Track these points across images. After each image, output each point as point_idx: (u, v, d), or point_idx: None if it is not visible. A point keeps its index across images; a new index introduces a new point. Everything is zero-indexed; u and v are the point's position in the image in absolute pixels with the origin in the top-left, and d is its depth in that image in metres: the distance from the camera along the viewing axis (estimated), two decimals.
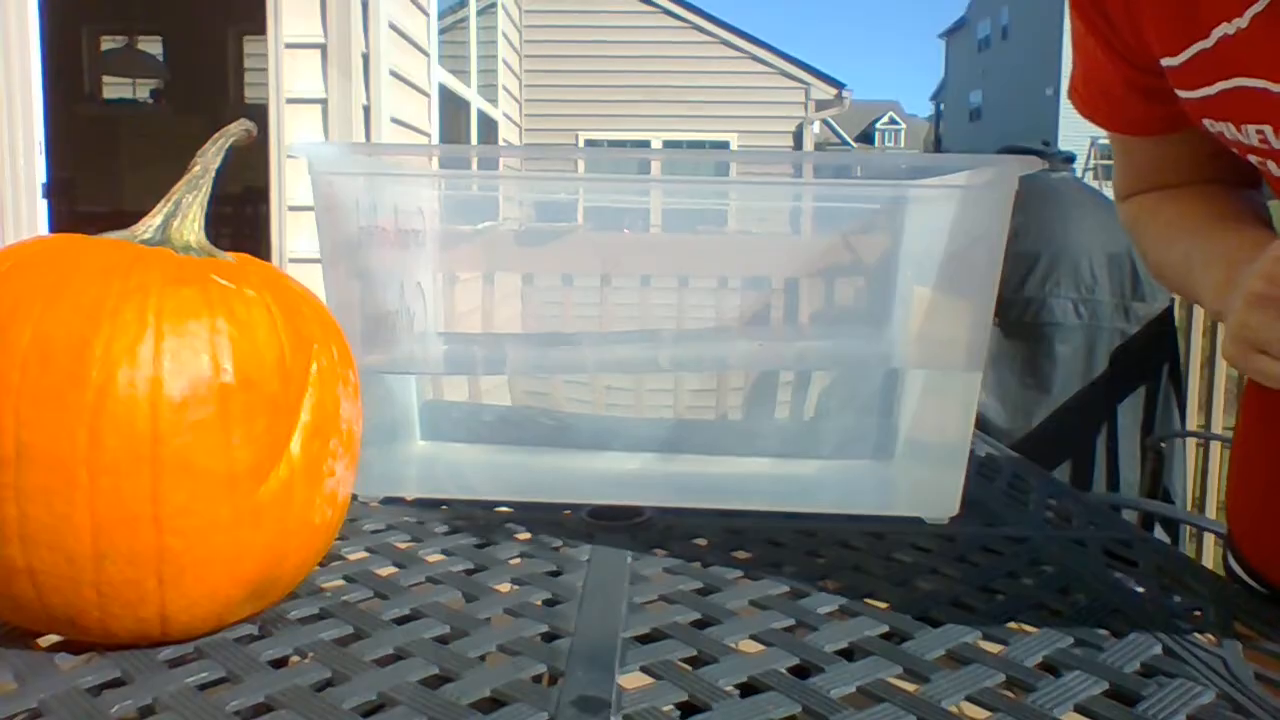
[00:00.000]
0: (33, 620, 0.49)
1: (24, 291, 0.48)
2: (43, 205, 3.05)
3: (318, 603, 0.57)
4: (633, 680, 0.48)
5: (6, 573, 0.47)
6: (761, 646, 0.52)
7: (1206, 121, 0.62)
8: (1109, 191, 0.93)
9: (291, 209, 3.20)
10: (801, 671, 0.49)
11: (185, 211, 0.55)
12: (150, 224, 0.54)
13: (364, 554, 0.66)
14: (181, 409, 0.47)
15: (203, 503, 0.48)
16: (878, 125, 49.52)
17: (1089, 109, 0.73)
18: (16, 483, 0.46)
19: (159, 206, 0.55)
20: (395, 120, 3.55)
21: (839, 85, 7.82)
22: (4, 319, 0.47)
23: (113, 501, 0.47)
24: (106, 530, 0.47)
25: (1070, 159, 2.22)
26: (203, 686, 0.47)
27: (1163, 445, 1.98)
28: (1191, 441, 2.05)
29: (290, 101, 3.20)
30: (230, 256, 0.55)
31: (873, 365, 0.81)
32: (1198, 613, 0.58)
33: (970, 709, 0.47)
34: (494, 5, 6.19)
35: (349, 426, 0.56)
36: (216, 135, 0.57)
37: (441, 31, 4.43)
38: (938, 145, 42.84)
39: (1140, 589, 0.62)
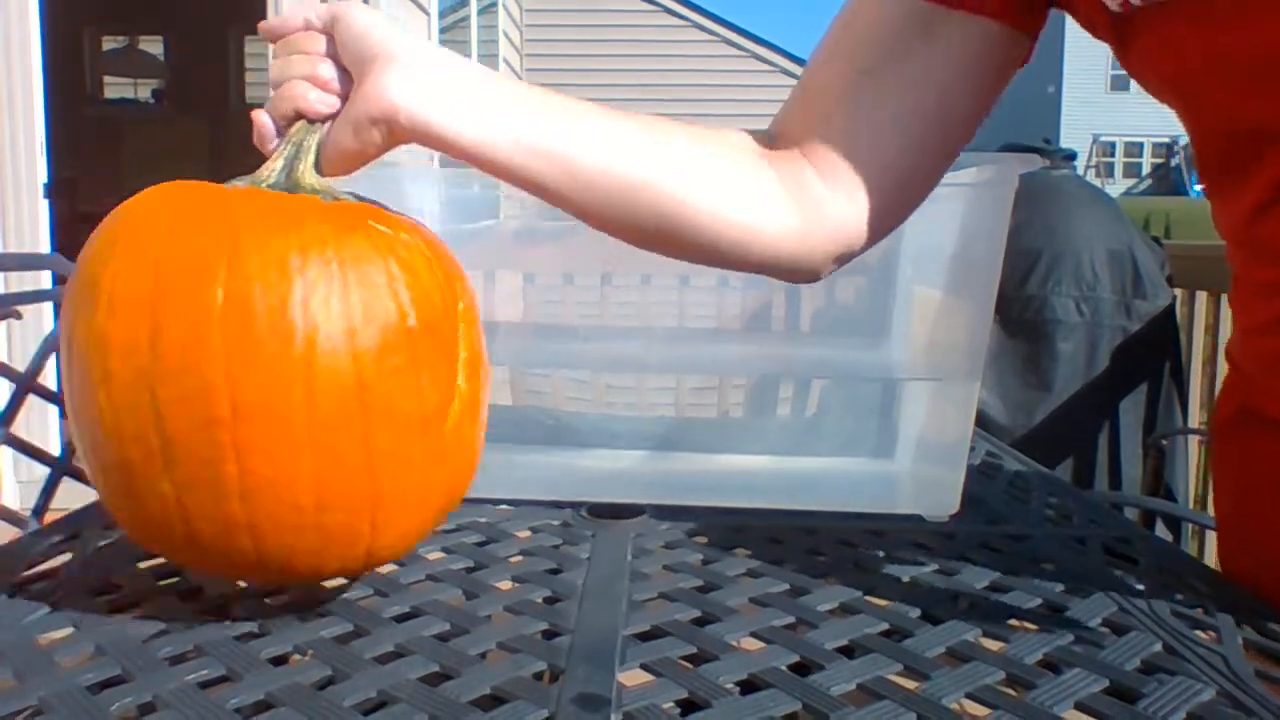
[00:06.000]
0: (244, 570, 0.52)
1: (199, 252, 0.48)
2: (44, 205, 3.05)
3: (317, 600, 0.57)
4: (633, 678, 0.48)
5: (226, 528, 0.48)
6: (762, 644, 0.52)
7: None
8: (1111, 189, 0.92)
9: None
10: (802, 669, 0.49)
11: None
12: (272, 168, 0.54)
13: None
14: (380, 357, 0.49)
15: (405, 446, 0.50)
16: None
17: None
18: (235, 441, 0.47)
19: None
20: None
21: None
22: (189, 282, 0.47)
23: (331, 452, 0.48)
24: (327, 481, 0.48)
25: (1071, 156, 2.21)
26: (203, 684, 0.47)
27: (1164, 443, 1.98)
28: (1194, 439, 2.04)
29: None
30: (348, 195, 0.55)
31: (873, 374, 0.81)
32: (1198, 610, 0.58)
33: (971, 706, 0.47)
34: (494, 4, 6.19)
35: (486, 359, 0.57)
36: None
37: (442, 30, 4.43)
38: None
39: (1141, 586, 0.62)
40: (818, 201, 0.61)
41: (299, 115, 0.55)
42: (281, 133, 0.56)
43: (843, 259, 0.64)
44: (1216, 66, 0.56)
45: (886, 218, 0.63)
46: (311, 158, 0.55)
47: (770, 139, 0.64)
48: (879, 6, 0.62)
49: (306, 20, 0.56)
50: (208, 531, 0.49)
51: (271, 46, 0.58)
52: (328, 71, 0.55)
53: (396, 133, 0.55)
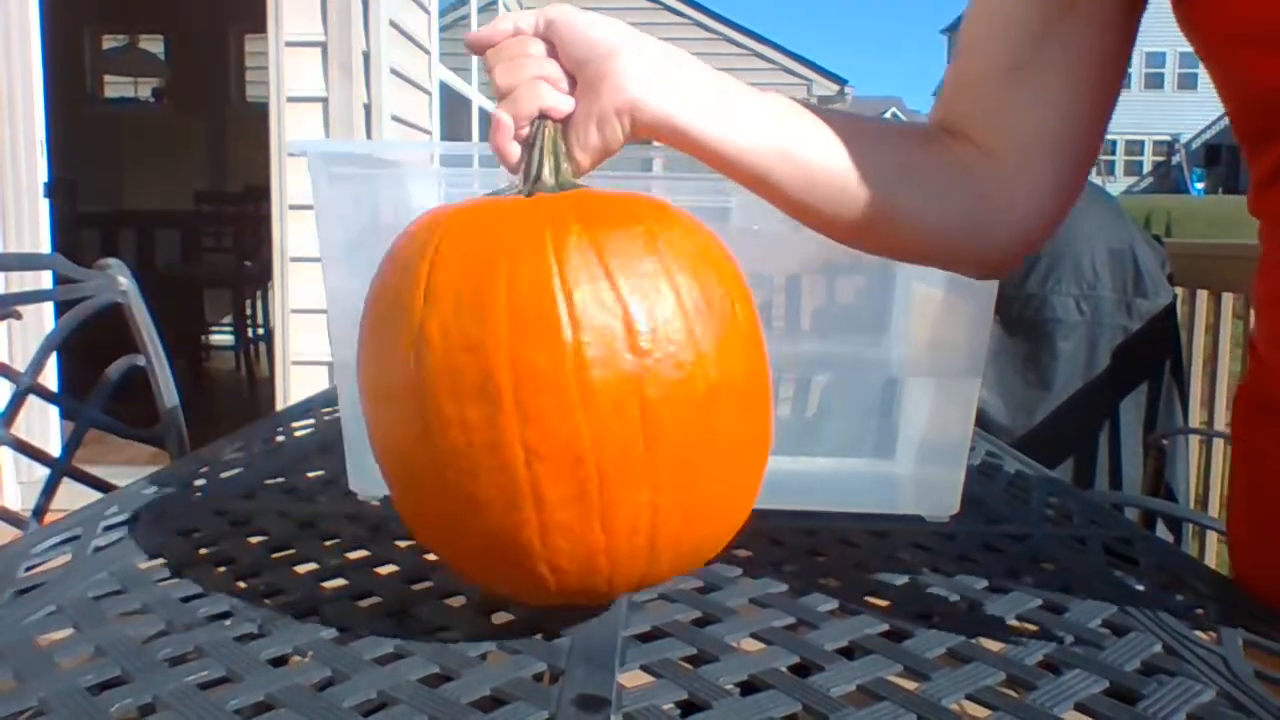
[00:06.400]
0: (683, 561, 0.51)
1: (643, 249, 0.47)
2: (44, 205, 3.05)
3: (317, 601, 0.57)
4: (633, 678, 0.48)
5: (692, 520, 0.49)
6: (761, 644, 0.52)
7: None
8: (1112, 188, 0.92)
9: (292, 208, 3.20)
10: (802, 670, 0.49)
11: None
12: (544, 172, 0.54)
13: (364, 552, 0.66)
14: (753, 328, 0.51)
15: (767, 428, 0.51)
16: None
17: None
18: (709, 421, 0.47)
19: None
20: (396, 118, 3.55)
21: (841, 81, 7.82)
22: (650, 281, 0.47)
23: (755, 421, 0.50)
24: (755, 448, 0.50)
25: None
26: (203, 685, 0.47)
27: (1165, 442, 1.98)
28: (1194, 439, 2.05)
29: (291, 100, 3.20)
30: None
31: (873, 371, 0.81)
32: (1198, 611, 0.58)
33: (971, 707, 0.47)
34: (495, 2, 6.19)
35: None
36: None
37: (443, 29, 4.43)
38: None
39: (1141, 587, 0.62)
40: (995, 193, 0.63)
41: (541, 114, 0.55)
42: (517, 133, 0.56)
43: (1025, 249, 0.66)
44: (1236, 36, 0.58)
45: (1059, 202, 0.65)
46: (564, 158, 0.55)
47: (940, 135, 0.66)
48: (1014, 8, 0.63)
49: (516, 27, 0.57)
50: (679, 530, 0.48)
51: (481, 57, 0.58)
52: (557, 72, 0.56)
53: (637, 126, 0.56)
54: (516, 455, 0.45)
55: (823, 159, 0.60)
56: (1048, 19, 0.62)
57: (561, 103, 0.55)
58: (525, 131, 0.55)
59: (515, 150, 0.55)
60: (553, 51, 0.56)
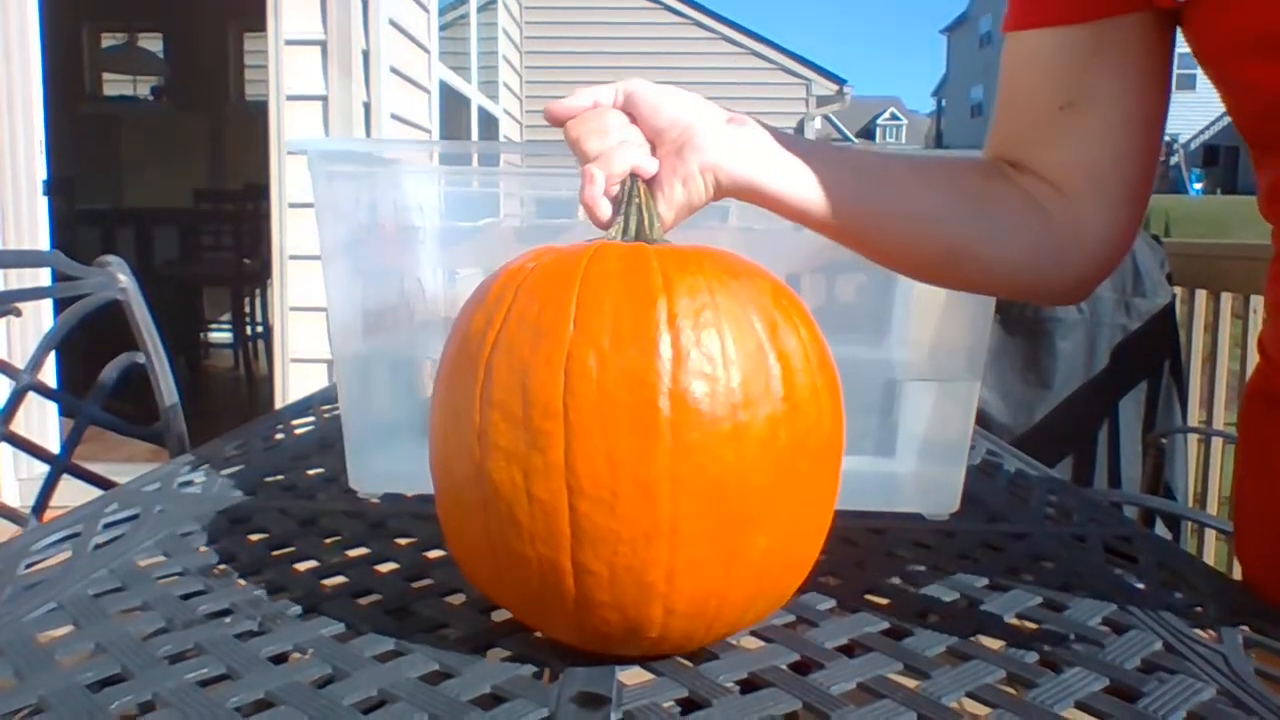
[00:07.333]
0: (754, 613, 0.50)
1: (756, 303, 0.48)
2: (43, 203, 3.05)
3: (317, 598, 0.57)
4: (633, 676, 0.48)
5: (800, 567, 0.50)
6: (762, 643, 0.52)
7: None
8: None
9: (292, 206, 3.20)
10: (802, 668, 0.49)
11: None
12: (639, 227, 0.55)
13: (364, 550, 0.66)
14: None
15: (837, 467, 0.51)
16: (879, 121, 49.55)
17: None
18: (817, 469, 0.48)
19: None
20: (396, 117, 3.54)
21: (840, 81, 7.81)
22: (769, 333, 0.48)
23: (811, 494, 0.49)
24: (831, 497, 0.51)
25: None
26: (203, 683, 0.47)
27: (1164, 441, 1.98)
28: (1193, 437, 2.04)
29: (290, 98, 3.20)
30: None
31: (874, 369, 0.81)
32: (1198, 609, 0.58)
33: (971, 705, 0.47)
34: (494, 1, 6.18)
35: None
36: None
37: (442, 28, 4.43)
38: (939, 141, 42.82)
39: (1141, 585, 0.62)
40: (1064, 221, 0.64)
41: (632, 174, 0.57)
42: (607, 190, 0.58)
43: (1101, 272, 0.67)
44: (1239, 45, 0.59)
45: (1129, 220, 0.66)
46: (655, 214, 0.57)
47: (1003, 167, 0.67)
48: (1052, 51, 0.64)
49: (595, 100, 0.60)
50: (779, 578, 0.49)
51: (564, 127, 0.60)
52: (640, 138, 0.59)
53: (719, 186, 0.59)
54: (664, 488, 0.44)
55: (899, 206, 0.63)
56: (1087, 55, 0.63)
57: (649, 163, 0.58)
58: (615, 190, 0.57)
59: (606, 206, 0.57)
60: (632, 121, 0.60)
